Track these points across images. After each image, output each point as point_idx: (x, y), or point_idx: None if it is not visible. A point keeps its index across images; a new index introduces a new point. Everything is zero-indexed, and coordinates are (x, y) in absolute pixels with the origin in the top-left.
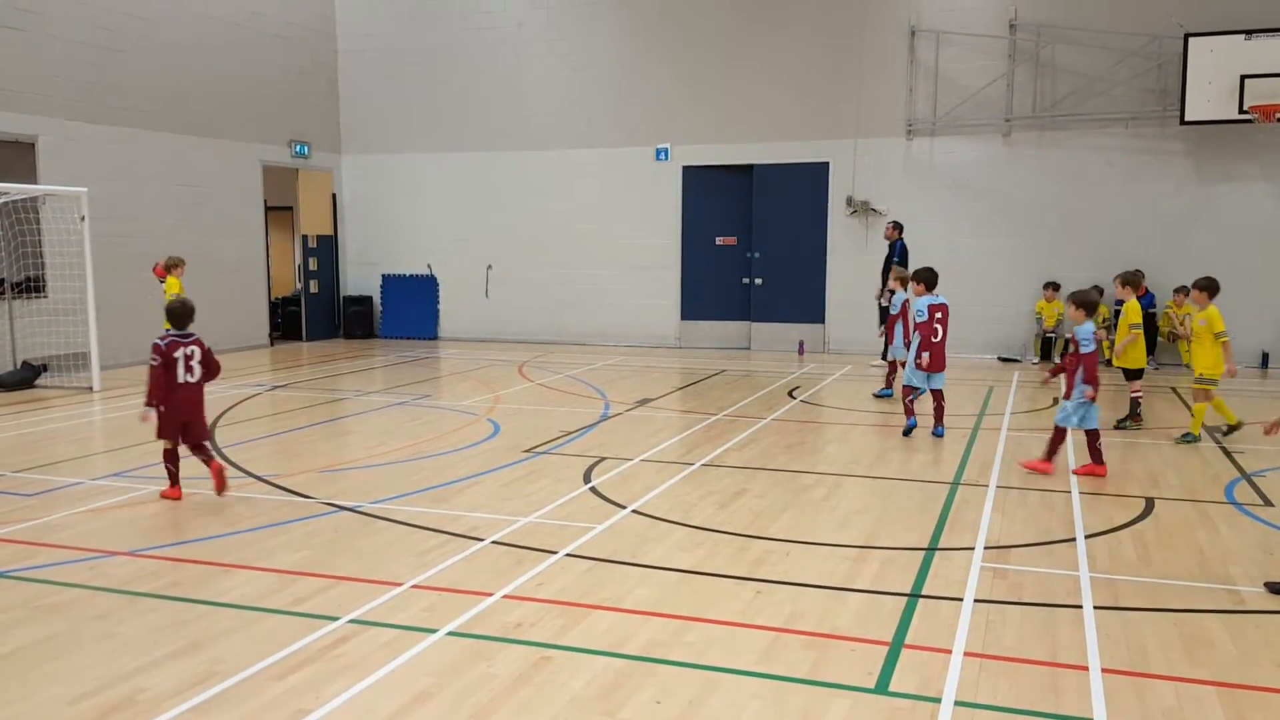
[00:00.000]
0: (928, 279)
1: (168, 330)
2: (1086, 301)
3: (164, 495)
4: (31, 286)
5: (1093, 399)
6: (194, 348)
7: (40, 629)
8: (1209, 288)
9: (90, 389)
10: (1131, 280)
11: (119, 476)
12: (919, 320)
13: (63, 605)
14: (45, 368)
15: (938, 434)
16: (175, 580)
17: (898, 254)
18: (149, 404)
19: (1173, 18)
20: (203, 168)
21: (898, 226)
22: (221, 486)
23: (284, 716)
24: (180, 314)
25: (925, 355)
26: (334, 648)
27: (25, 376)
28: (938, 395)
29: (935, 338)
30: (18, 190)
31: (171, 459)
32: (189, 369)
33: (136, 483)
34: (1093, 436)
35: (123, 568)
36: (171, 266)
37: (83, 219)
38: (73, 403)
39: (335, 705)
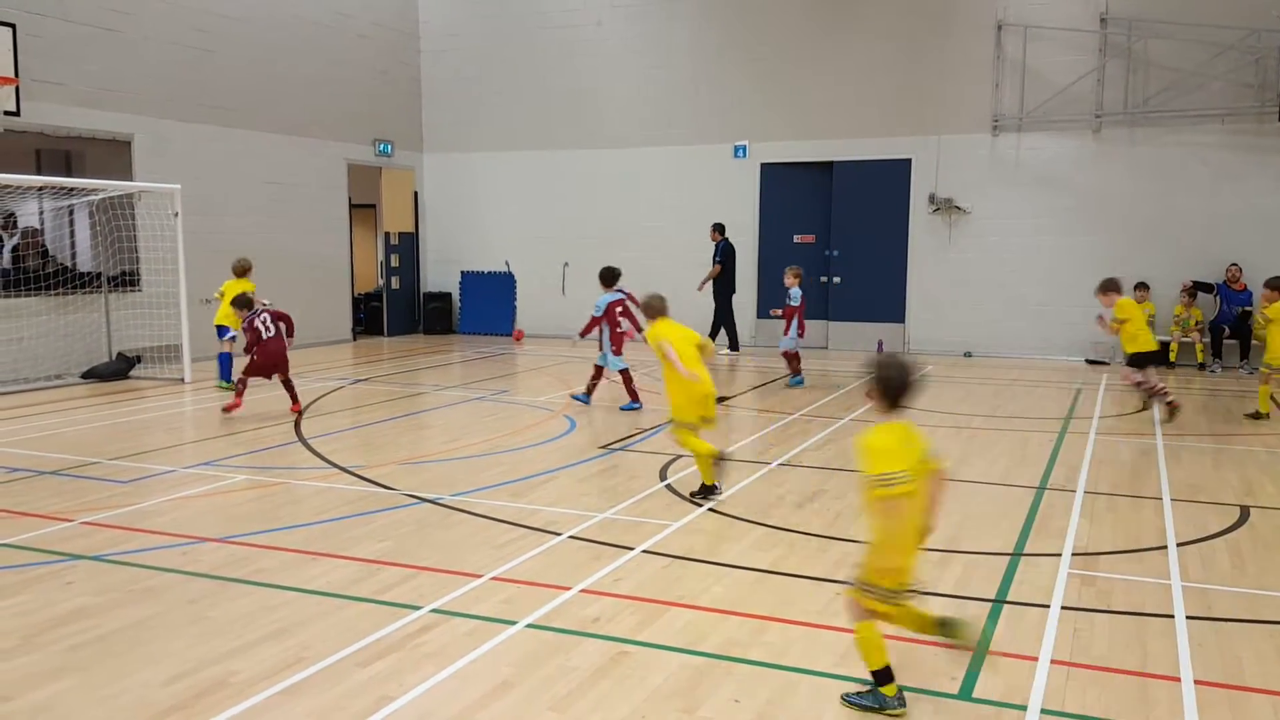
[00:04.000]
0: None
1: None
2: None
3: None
4: (126, 280)
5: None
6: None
7: (136, 611)
8: (1276, 285)
9: (182, 380)
10: (1113, 286)
11: (209, 465)
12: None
13: (157, 589)
14: (139, 359)
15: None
16: (263, 567)
17: (720, 254)
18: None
19: (1273, 11)
20: (290, 166)
21: (720, 229)
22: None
23: (369, 703)
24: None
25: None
26: (416, 636)
27: (120, 368)
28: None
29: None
30: (114, 187)
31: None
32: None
33: (226, 471)
34: None
35: (214, 553)
36: (243, 270)
37: (175, 215)
38: (165, 393)
39: (418, 693)
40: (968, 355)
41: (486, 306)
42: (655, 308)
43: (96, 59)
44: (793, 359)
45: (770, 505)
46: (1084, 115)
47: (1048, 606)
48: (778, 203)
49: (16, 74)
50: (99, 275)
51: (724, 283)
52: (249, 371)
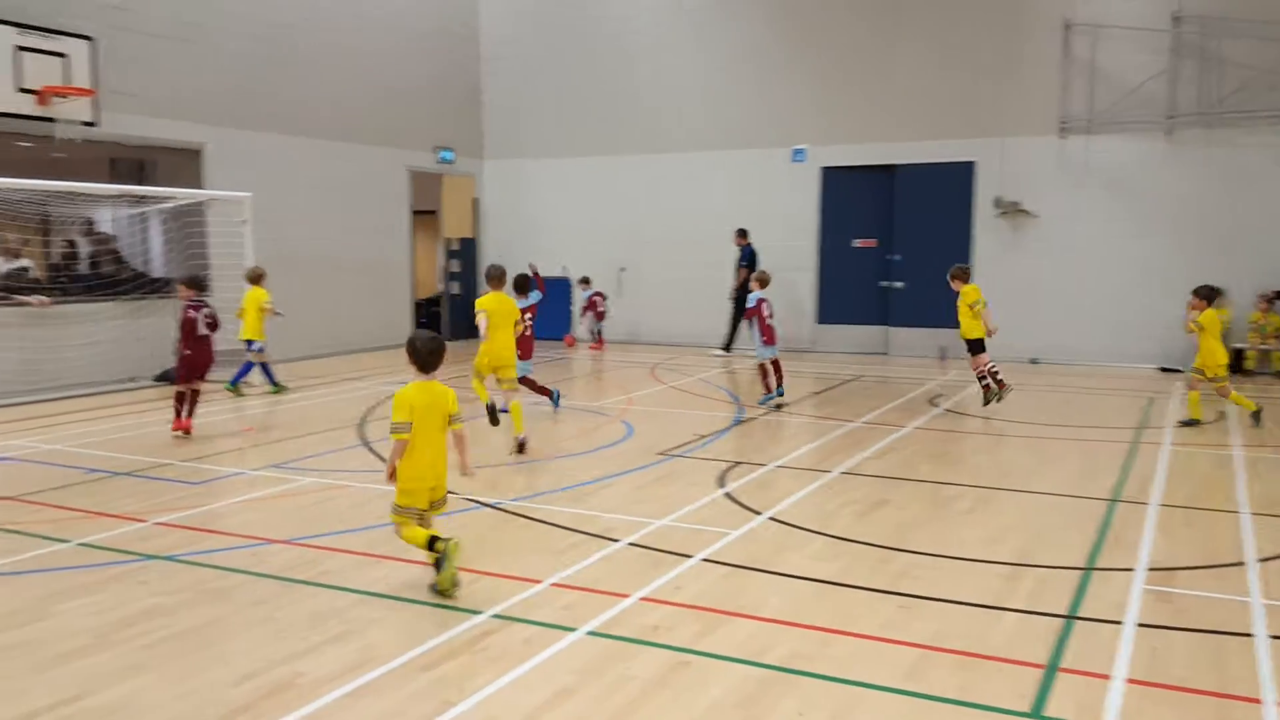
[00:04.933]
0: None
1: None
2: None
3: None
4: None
5: None
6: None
7: (207, 611)
8: (1203, 294)
9: (250, 383)
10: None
11: (276, 468)
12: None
13: (227, 589)
14: None
15: (778, 393)
16: (328, 569)
17: (746, 258)
18: None
19: None
20: (354, 173)
21: (744, 233)
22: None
23: (433, 706)
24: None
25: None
26: (478, 641)
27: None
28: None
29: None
30: (186, 195)
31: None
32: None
33: (292, 474)
34: None
35: (281, 555)
36: (258, 278)
37: (244, 222)
38: (233, 396)
39: (481, 697)
40: (1034, 362)
41: (544, 311)
42: (492, 276)
43: (170, 70)
44: (764, 373)
45: (831, 515)
46: (1155, 117)
47: (1121, 623)
48: (838, 207)
49: (94, 85)
50: (170, 281)
51: (745, 287)
52: (180, 377)
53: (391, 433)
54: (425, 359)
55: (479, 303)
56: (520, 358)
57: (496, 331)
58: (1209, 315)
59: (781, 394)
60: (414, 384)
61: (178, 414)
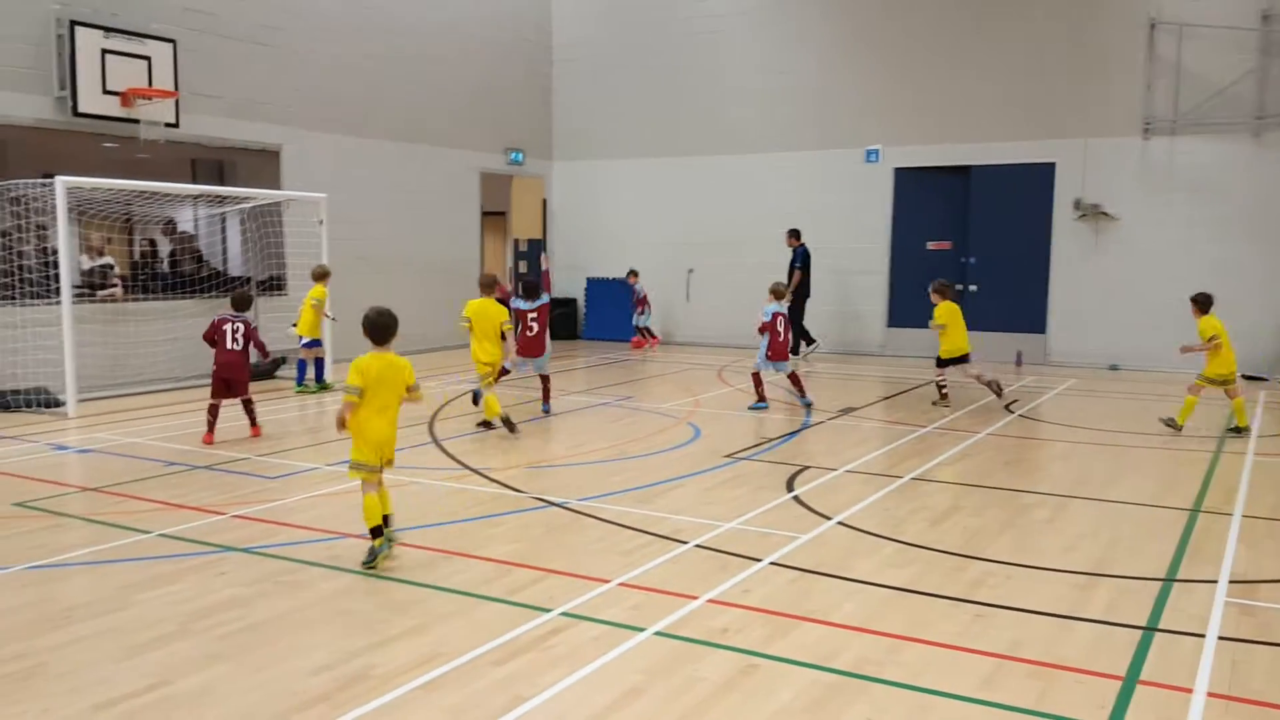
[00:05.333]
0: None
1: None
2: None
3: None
4: (274, 284)
5: None
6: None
7: (283, 602)
8: (1200, 301)
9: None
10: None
11: (349, 464)
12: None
13: (302, 582)
14: (284, 360)
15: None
16: (401, 564)
17: (800, 259)
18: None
19: None
20: (426, 175)
21: (796, 234)
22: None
23: (504, 701)
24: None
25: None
26: (547, 638)
27: (267, 368)
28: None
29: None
30: (264, 195)
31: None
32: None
33: None
34: None
35: (354, 549)
36: (320, 276)
37: (320, 222)
38: (307, 393)
39: (550, 694)
40: (1114, 368)
41: (611, 313)
42: (482, 284)
43: (249, 73)
44: (757, 381)
45: (902, 521)
46: (1243, 118)
47: (1203, 636)
48: (911, 208)
49: (176, 87)
50: (249, 279)
51: (801, 288)
52: (213, 390)
53: (343, 394)
54: (377, 332)
55: (466, 309)
56: (532, 355)
57: (477, 338)
58: (1217, 324)
59: (809, 402)
60: (370, 354)
61: (209, 427)
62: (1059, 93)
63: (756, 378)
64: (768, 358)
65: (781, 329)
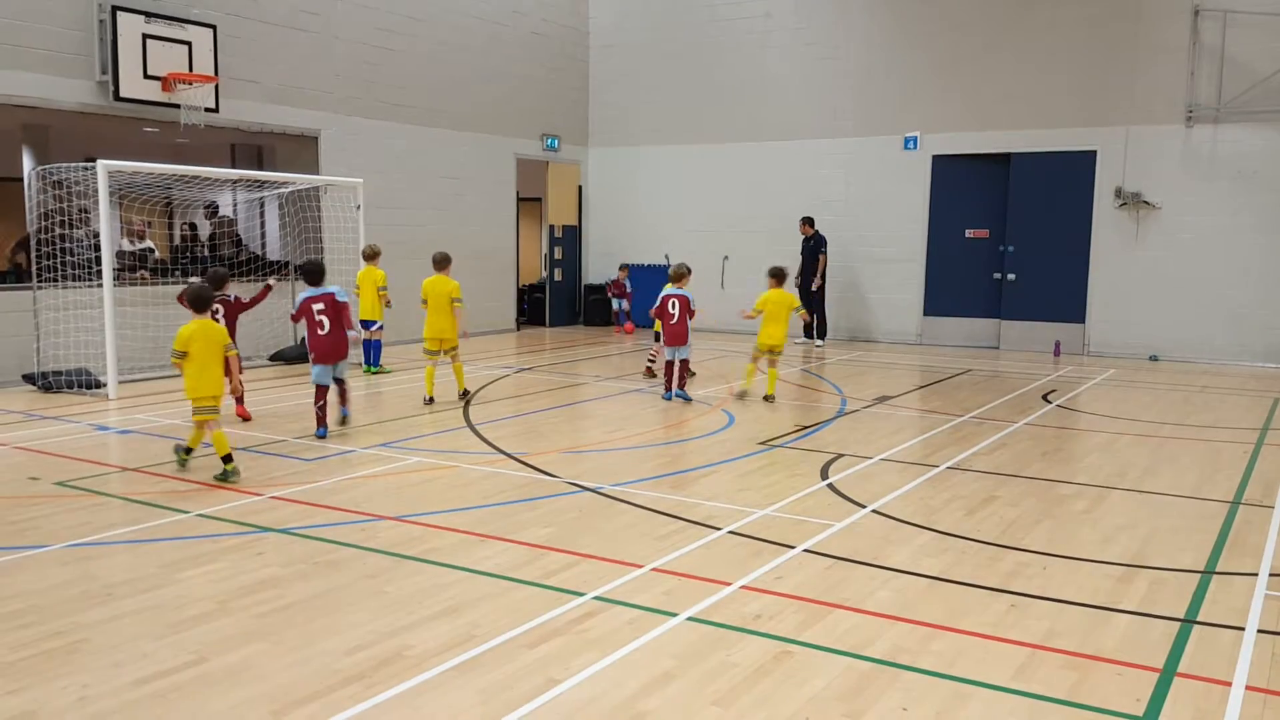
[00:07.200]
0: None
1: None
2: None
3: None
4: None
5: None
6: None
7: (319, 583)
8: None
9: (358, 365)
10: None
11: (385, 447)
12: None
13: (338, 563)
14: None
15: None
16: (435, 546)
17: (821, 245)
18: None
19: None
20: (463, 161)
21: (810, 221)
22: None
23: (537, 683)
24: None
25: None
26: (580, 622)
27: (304, 352)
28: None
29: (672, 321)
30: (302, 180)
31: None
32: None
33: (400, 453)
34: None
35: (389, 531)
36: (373, 255)
37: (358, 208)
38: (375, 376)
39: (583, 677)
40: (1154, 359)
41: (646, 298)
42: (435, 261)
43: (288, 58)
44: (668, 371)
45: (937, 510)
46: None
47: (1243, 629)
48: (950, 196)
49: (216, 72)
50: (287, 264)
51: (805, 273)
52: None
53: (170, 357)
54: (195, 303)
55: (423, 286)
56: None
57: (432, 312)
58: None
59: (670, 397)
60: (192, 322)
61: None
62: (1101, 80)
63: (669, 367)
64: (667, 343)
65: (674, 311)
